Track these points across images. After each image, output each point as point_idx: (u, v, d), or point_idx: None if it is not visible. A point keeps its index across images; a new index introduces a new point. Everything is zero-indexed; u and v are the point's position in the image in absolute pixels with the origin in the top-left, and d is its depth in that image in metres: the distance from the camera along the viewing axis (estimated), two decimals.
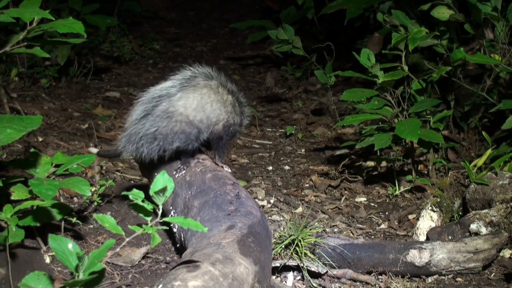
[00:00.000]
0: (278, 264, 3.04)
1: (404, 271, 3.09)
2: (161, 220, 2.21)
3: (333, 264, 3.09)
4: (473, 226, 3.23)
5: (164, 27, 8.17)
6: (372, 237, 3.55)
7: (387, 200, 3.97)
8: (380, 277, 3.10)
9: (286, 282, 3.02)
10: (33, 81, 5.58)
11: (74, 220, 3.24)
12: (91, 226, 3.45)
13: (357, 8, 5.39)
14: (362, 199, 3.99)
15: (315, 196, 3.99)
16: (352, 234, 3.55)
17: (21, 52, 2.90)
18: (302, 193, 4.04)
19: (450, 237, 3.24)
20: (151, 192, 2.20)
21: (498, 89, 4.30)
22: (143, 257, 3.16)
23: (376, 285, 3.03)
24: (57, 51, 5.56)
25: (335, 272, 3.06)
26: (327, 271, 3.05)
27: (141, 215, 2.22)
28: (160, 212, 2.20)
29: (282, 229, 3.34)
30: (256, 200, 3.82)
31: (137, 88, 5.93)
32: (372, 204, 3.94)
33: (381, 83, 3.98)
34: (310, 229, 3.16)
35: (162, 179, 2.22)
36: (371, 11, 5.62)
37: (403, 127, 3.68)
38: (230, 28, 7.72)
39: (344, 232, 3.54)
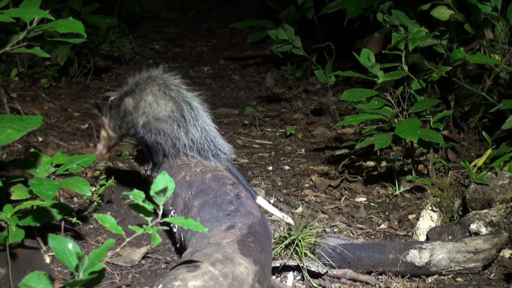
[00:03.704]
0: (278, 264, 3.04)
1: (404, 271, 3.09)
2: (161, 221, 2.21)
3: (333, 264, 3.09)
4: (473, 226, 3.23)
5: (164, 27, 8.17)
6: (372, 237, 3.55)
7: (387, 200, 3.97)
8: (380, 277, 3.10)
9: (286, 282, 3.03)
10: (33, 81, 5.58)
11: (74, 220, 3.24)
12: (91, 226, 3.45)
13: (357, 8, 5.39)
14: (362, 199, 3.99)
15: (315, 196, 3.99)
16: (352, 234, 3.55)
17: (21, 52, 2.90)
18: (302, 193, 4.04)
19: (450, 237, 3.25)
20: (151, 192, 2.20)
21: (498, 89, 4.30)
22: (143, 257, 3.16)
23: (376, 285, 3.03)
24: (57, 51, 5.56)
25: (335, 272, 3.06)
26: (327, 271, 3.05)
27: (141, 215, 2.22)
28: (160, 213, 2.20)
29: (282, 229, 3.34)
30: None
31: None
32: (372, 204, 3.94)
33: (381, 83, 3.98)
34: (310, 229, 3.16)
35: (163, 179, 2.22)
36: (371, 11, 5.62)
37: (403, 127, 3.68)
38: (230, 28, 7.73)
39: (344, 232, 3.54)
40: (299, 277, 3.07)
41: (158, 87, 3.33)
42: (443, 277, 3.10)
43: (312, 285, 3.00)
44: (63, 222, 3.14)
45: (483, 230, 3.22)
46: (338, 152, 4.58)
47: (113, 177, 3.68)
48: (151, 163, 3.50)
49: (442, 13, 4.30)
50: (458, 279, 3.09)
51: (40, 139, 4.39)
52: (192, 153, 3.32)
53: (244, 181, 3.31)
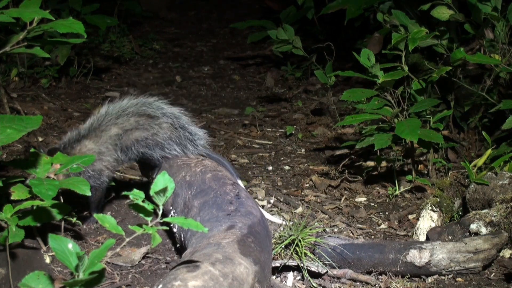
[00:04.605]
0: (278, 264, 3.04)
1: (404, 271, 3.09)
2: (161, 220, 2.20)
3: (333, 264, 3.09)
4: (473, 226, 3.23)
5: (164, 27, 8.17)
6: (372, 237, 3.55)
7: (387, 200, 3.97)
8: (380, 277, 3.10)
9: (286, 282, 3.03)
10: (33, 81, 5.58)
11: (74, 220, 3.24)
12: (91, 226, 3.45)
13: (357, 8, 5.39)
14: (362, 199, 3.99)
15: (315, 196, 3.99)
16: (352, 234, 3.55)
17: (21, 52, 2.90)
18: (302, 193, 4.04)
19: (450, 237, 3.25)
20: (151, 192, 2.20)
21: (498, 89, 4.30)
22: (143, 257, 3.16)
23: (376, 285, 3.03)
24: (57, 51, 5.56)
25: (335, 272, 3.06)
26: (327, 271, 3.05)
27: (141, 215, 2.22)
28: (160, 213, 2.20)
29: (282, 229, 3.34)
30: (256, 200, 3.82)
31: (137, 88, 5.93)
32: (372, 204, 3.94)
33: (381, 83, 3.98)
34: (310, 229, 3.16)
35: (162, 179, 2.22)
36: (371, 11, 5.62)
37: (403, 127, 3.68)
38: (230, 28, 7.73)
39: (344, 232, 3.54)
40: (299, 277, 3.07)
41: (116, 118, 3.35)
42: (443, 277, 3.10)
43: (312, 285, 3.00)
44: (63, 222, 3.14)
45: (483, 230, 3.22)
46: (338, 152, 4.58)
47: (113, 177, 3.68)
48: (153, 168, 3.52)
49: (442, 13, 4.30)
50: (458, 279, 3.09)
51: (40, 139, 4.39)
52: (174, 147, 3.36)
53: (229, 165, 3.43)
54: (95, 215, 2.22)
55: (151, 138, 3.36)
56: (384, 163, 4.24)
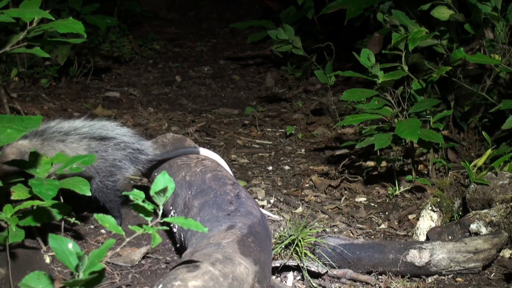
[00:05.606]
0: (278, 264, 3.04)
1: (404, 271, 3.09)
2: (161, 221, 2.21)
3: (333, 264, 3.09)
4: (473, 226, 3.23)
5: (164, 27, 8.17)
6: (372, 237, 3.55)
7: (387, 200, 3.97)
8: (380, 277, 3.10)
9: (286, 282, 3.03)
10: (33, 81, 5.58)
11: (73, 220, 3.23)
12: (91, 226, 3.45)
13: (357, 8, 5.39)
14: (362, 199, 3.99)
15: (315, 196, 3.99)
16: (352, 234, 3.55)
17: (21, 52, 2.90)
18: (302, 193, 4.04)
19: (450, 237, 3.25)
20: (151, 192, 2.20)
21: (498, 89, 4.30)
22: (143, 257, 3.16)
23: (376, 285, 3.03)
24: (57, 51, 5.56)
25: (335, 272, 3.06)
26: (327, 271, 3.05)
27: (141, 215, 2.22)
28: (160, 213, 2.20)
29: (282, 229, 3.34)
30: (256, 200, 3.82)
31: (137, 88, 5.94)
32: (372, 204, 3.94)
33: (381, 83, 3.98)
34: (310, 229, 3.16)
35: (162, 179, 2.22)
36: (371, 11, 5.62)
37: (403, 127, 3.68)
38: (230, 28, 7.73)
39: (344, 232, 3.54)
40: (299, 277, 3.07)
41: (65, 134, 3.24)
42: (443, 277, 3.10)
43: (312, 285, 3.00)
44: (63, 222, 3.14)
45: (483, 230, 3.22)
46: (338, 152, 4.58)
47: None
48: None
49: (442, 13, 4.30)
50: (458, 279, 3.09)
51: None
52: (128, 165, 3.32)
53: (182, 148, 3.45)
54: (95, 215, 2.22)
55: (111, 163, 3.28)
56: (384, 163, 4.24)
